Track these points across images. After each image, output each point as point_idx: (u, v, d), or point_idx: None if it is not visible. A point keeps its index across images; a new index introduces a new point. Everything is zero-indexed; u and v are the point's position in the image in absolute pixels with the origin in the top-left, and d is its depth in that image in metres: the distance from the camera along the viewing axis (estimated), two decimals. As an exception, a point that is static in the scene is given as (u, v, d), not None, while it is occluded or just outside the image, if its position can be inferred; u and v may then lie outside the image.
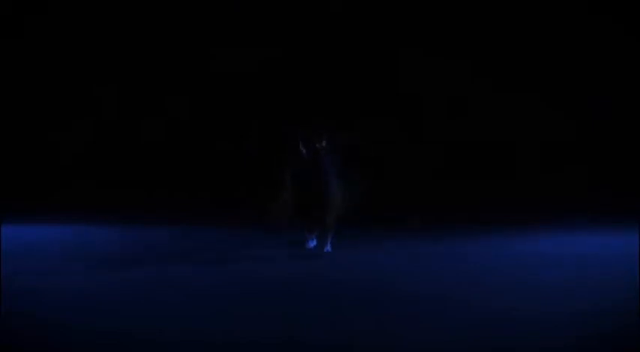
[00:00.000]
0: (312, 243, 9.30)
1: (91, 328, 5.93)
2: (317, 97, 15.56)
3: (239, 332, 5.81)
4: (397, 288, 7.40)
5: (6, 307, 6.51)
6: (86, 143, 16.42)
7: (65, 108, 16.19)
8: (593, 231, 10.91)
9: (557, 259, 8.82)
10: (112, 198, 14.40)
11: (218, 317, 6.26)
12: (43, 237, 11.01)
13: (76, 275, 8.02)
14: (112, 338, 5.67)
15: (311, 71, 15.71)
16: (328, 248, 9.13)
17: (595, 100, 15.37)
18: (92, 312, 6.41)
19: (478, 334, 5.67)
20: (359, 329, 5.88)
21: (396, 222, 11.06)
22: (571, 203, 13.66)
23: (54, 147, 16.31)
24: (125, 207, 13.81)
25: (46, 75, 16.01)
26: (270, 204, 9.35)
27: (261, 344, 5.50)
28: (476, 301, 6.72)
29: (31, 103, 16.07)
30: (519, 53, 15.53)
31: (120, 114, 16.26)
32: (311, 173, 8.95)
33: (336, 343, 5.51)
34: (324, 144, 8.97)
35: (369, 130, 14.33)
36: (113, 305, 6.67)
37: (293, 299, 6.87)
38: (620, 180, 14.45)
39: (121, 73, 16.22)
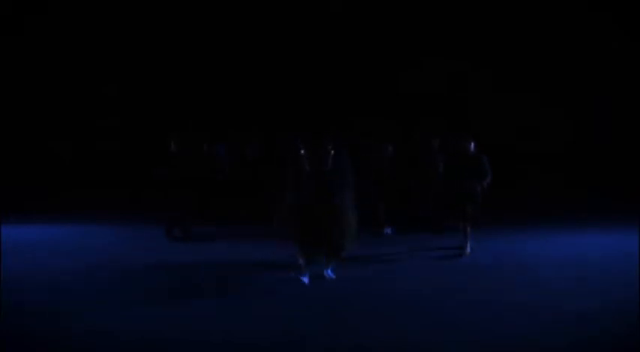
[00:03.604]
0: (306, 278, 7.49)
1: (91, 328, 5.94)
2: (317, 99, 15.59)
3: (239, 332, 5.82)
4: (398, 288, 7.41)
5: (5, 304, 6.55)
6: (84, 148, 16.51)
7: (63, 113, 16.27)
8: (594, 231, 10.91)
9: (557, 259, 8.82)
10: (121, 201, 14.36)
11: (218, 317, 6.27)
12: (40, 236, 11.02)
13: (76, 273, 8.05)
14: (111, 337, 5.67)
15: (311, 71, 15.73)
16: (330, 273, 7.72)
17: (596, 100, 15.41)
18: (93, 312, 6.42)
19: (479, 333, 5.68)
20: (359, 329, 5.90)
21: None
22: (571, 203, 13.68)
23: (52, 152, 16.37)
24: (131, 208, 13.81)
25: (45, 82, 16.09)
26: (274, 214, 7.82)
27: (261, 344, 5.51)
28: (476, 301, 6.73)
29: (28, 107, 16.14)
30: (519, 54, 15.56)
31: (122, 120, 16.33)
32: (317, 188, 7.51)
33: (336, 343, 5.51)
34: (331, 153, 7.60)
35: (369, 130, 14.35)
36: (114, 305, 6.68)
37: (293, 301, 6.87)
38: (619, 181, 14.47)
39: (121, 77, 16.27)
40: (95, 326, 5.97)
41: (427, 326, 5.93)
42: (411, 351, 5.38)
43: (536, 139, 15.83)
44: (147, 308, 6.60)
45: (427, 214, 10.75)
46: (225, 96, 16.03)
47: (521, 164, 15.40)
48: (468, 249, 9.11)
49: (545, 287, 7.24)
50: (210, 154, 11.17)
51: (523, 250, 9.37)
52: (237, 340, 5.59)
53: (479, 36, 15.44)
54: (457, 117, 15.19)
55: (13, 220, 11.71)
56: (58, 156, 16.41)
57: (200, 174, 10.58)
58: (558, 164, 15.62)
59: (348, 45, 15.68)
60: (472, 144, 9.28)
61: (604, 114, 15.41)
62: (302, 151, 7.68)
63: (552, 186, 14.93)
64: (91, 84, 16.33)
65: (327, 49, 15.70)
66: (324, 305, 6.62)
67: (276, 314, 6.36)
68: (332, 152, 7.59)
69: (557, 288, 7.18)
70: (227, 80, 16.01)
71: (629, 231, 10.18)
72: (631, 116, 15.21)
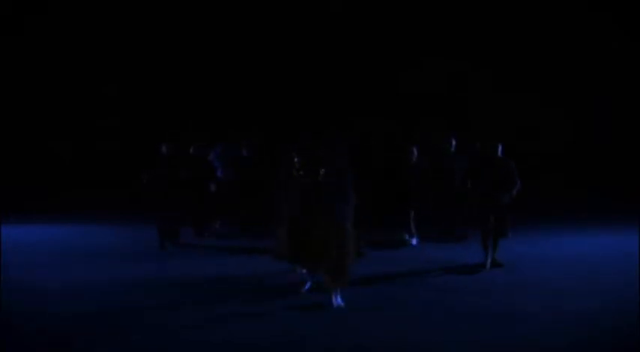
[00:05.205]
0: (308, 285, 7.09)
1: (91, 328, 5.94)
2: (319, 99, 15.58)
3: (239, 332, 5.82)
4: (398, 289, 7.42)
5: (5, 304, 6.55)
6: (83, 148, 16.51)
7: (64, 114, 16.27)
8: (594, 231, 10.92)
9: (557, 259, 8.83)
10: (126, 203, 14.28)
11: (218, 317, 6.27)
12: (40, 236, 11.03)
13: (76, 273, 8.05)
14: (111, 337, 5.67)
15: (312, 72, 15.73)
16: (339, 301, 6.59)
17: (596, 100, 15.41)
18: (93, 312, 6.42)
19: (479, 333, 5.68)
20: (359, 329, 5.90)
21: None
22: (571, 203, 13.68)
23: (52, 153, 16.37)
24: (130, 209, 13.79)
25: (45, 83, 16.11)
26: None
27: (261, 344, 5.51)
28: (476, 301, 6.73)
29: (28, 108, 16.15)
30: (519, 54, 15.56)
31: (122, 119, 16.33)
32: (313, 200, 6.74)
33: (336, 343, 5.51)
34: (323, 170, 6.81)
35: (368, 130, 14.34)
36: (113, 305, 6.68)
37: (294, 301, 6.87)
38: (619, 181, 14.47)
39: (121, 77, 16.27)
40: (95, 327, 5.97)
41: (427, 326, 5.93)
42: (411, 351, 5.38)
43: (536, 139, 15.82)
44: (146, 308, 6.60)
45: (427, 214, 10.69)
46: (225, 96, 16.02)
47: (521, 164, 15.35)
48: (488, 265, 8.29)
49: (545, 287, 7.24)
50: (197, 156, 10.98)
51: (523, 250, 9.36)
52: (237, 340, 5.59)
53: (479, 36, 15.43)
54: (457, 117, 15.18)
55: (13, 220, 11.72)
56: (58, 156, 16.40)
57: (188, 176, 10.36)
58: (558, 164, 15.62)
59: (348, 45, 15.68)
60: (500, 148, 8.52)
61: (604, 114, 15.41)
62: (296, 159, 6.97)
63: (552, 186, 14.92)
64: (91, 84, 16.32)
65: (327, 49, 15.69)
66: (324, 305, 6.61)
67: (276, 314, 6.36)
68: (329, 159, 6.86)
69: (557, 288, 7.18)
70: (227, 80, 16.00)
71: (629, 231, 10.18)
72: (631, 116, 15.21)
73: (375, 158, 11.59)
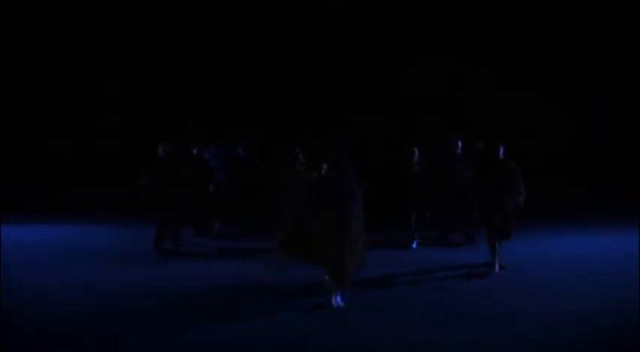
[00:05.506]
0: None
1: (91, 329, 5.94)
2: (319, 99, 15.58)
3: (239, 332, 5.82)
4: (398, 289, 7.42)
5: (5, 304, 6.55)
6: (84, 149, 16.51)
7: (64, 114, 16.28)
8: (594, 231, 10.91)
9: (557, 259, 8.82)
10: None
11: (218, 317, 6.27)
12: (40, 236, 11.02)
13: (76, 273, 8.05)
14: (111, 337, 5.67)
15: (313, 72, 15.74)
16: (339, 301, 6.63)
17: (596, 100, 15.41)
18: (93, 312, 6.41)
19: (479, 333, 5.68)
20: (359, 329, 5.90)
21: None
22: (571, 203, 13.68)
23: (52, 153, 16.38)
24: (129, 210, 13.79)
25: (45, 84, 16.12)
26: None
27: (261, 344, 5.51)
28: (476, 301, 6.73)
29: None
30: (519, 54, 15.57)
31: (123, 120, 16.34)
32: (315, 197, 6.67)
33: (336, 343, 5.51)
34: (325, 166, 6.71)
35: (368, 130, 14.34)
36: (114, 305, 6.68)
37: (294, 301, 6.87)
38: (619, 181, 14.47)
39: (121, 77, 16.27)
40: (95, 327, 5.97)
41: (427, 326, 5.93)
42: (411, 351, 5.38)
43: (536, 139, 15.82)
44: (146, 308, 6.60)
45: (427, 214, 10.64)
46: (225, 96, 16.02)
47: (521, 164, 15.34)
48: (497, 268, 8.13)
49: (546, 287, 7.24)
50: (197, 156, 10.95)
51: (523, 250, 9.35)
52: (237, 340, 5.59)
53: (479, 36, 15.43)
54: (457, 117, 15.18)
55: (13, 220, 11.71)
56: (58, 156, 16.40)
57: (188, 176, 10.31)
58: (558, 164, 15.61)
59: (348, 45, 15.68)
60: (501, 149, 8.39)
61: (604, 114, 15.41)
62: (300, 157, 7.04)
63: (552, 186, 14.92)
64: (91, 84, 16.33)
65: (327, 49, 15.70)
66: (324, 305, 6.61)
67: (276, 314, 6.36)
68: (330, 159, 6.74)
69: (557, 288, 7.18)
70: (227, 80, 16.00)
71: (629, 231, 10.19)
72: (631, 116, 15.22)
73: (375, 158, 11.61)
